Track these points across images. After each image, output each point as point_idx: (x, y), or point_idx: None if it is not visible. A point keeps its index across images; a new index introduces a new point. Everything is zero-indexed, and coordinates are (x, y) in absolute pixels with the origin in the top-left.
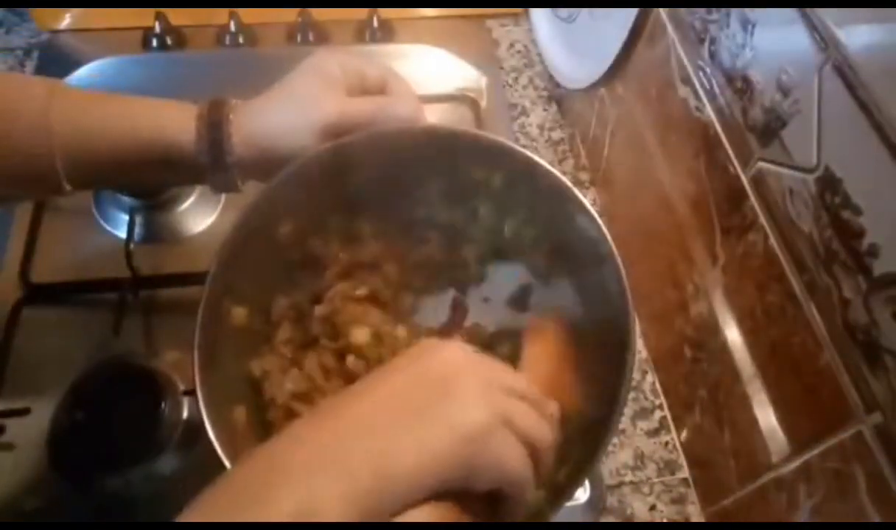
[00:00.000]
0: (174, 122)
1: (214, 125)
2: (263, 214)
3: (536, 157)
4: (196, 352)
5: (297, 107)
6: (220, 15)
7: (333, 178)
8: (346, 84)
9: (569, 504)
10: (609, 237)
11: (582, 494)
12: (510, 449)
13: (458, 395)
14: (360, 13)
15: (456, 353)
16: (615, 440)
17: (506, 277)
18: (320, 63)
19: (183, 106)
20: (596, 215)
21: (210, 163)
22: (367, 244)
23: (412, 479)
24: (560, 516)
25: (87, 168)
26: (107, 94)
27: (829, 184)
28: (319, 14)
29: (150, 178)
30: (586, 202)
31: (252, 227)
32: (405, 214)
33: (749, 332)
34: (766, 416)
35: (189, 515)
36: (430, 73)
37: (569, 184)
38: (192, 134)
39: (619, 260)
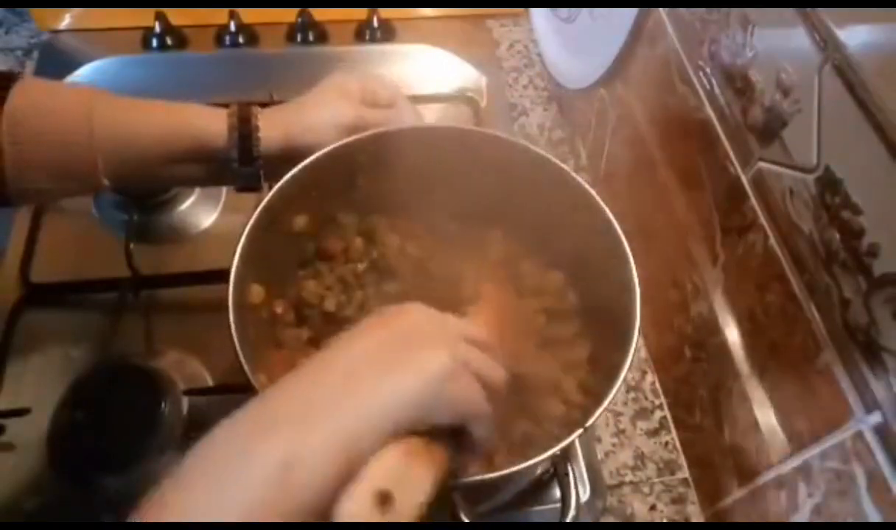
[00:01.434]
0: (206, 118)
1: (244, 119)
2: (282, 202)
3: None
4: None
5: (318, 109)
6: (220, 15)
7: (343, 173)
8: (362, 98)
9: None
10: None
11: (582, 494)
12: (467, 387)
13: (425, 345)
14: (360, 13)
15: (419, 312)
16: (615, 440)
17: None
18: (341, 78)
19: (213, 108)
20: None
21: (238, 156)
22: (387, 237)
23: (388, 420)
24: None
25: (124, 162)
26: (143, 99)
27: (829, 184)
28: (319, 14)
29: (181, 173)
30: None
31: (272, 215)
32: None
33: (749, 332)
34: (766, 416)
35: (181, 469)
36: (430, 73)
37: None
38: (224, 128)
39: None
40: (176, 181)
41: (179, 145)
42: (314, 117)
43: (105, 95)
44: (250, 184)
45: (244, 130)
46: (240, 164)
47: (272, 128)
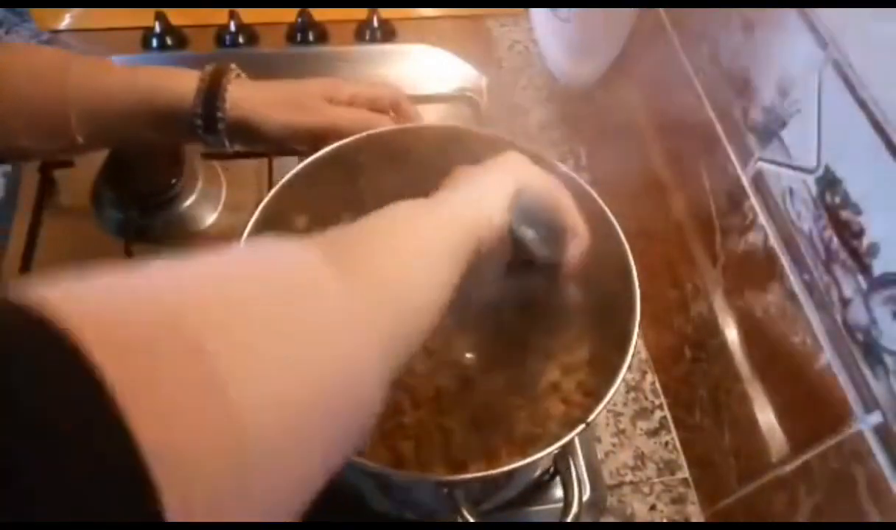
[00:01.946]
0: (176, 82)
1: (212, 93)
2: (282, 202)
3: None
4: None
5: (288, 105)
6: (220, 15)
7: (343, 173)
8: (349, 104)
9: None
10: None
11: (582, 494)
12: (550, 179)
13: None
14: (360, 13)
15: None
16: (615, 440)
17: None
18: (334, 81)
19: (188, 72)
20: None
21: (203, 125)
22: None
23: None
24: (558, 517)
25: (96, 121)
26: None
27: (829, 184)
28: (319, 14)
29: (151, 134)
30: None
31: (273, 215)
32: None
33: (749, 332)
34: (766, 416)
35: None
36: (430, 73)
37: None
38: (192, 95)
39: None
40: (148, 141)
41: (148, 103)
42: (282, 116)
43: (81, 57)
44: (217, 149)
45: (211, 103)
46: (204, 133)
47: (238, 107)
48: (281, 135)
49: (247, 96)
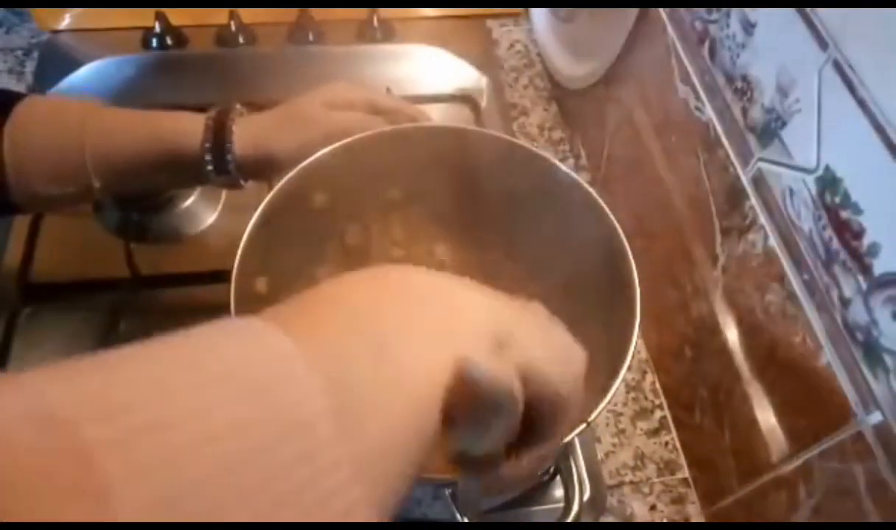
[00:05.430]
0: (184, 130)
1: (218, 137)
2: (278, 208)
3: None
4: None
5: (295, 124)
6: (220, 15)
7: (341, 176)
8: (350, 108)
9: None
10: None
11: (582, 494)
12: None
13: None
14: (360, 13)
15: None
16: (615, 440)
17: None
18: (330, 88)
19: (194, 116)
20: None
21: (215, 169)
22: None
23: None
24: (559, 517)
25: (112, 171)
26: (134, 109)
27: (829, 184)
28: (319, 14)
29: (164, 179)
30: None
31: (269, 220)
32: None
33: (749, 332)
34: (766, 416)
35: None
36: (430, 73)
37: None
38: (199, 141)
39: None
40: (162, 185)
41: (160, 152)
42: (288, 137)
43: (97, 107)
44: (230, 187)
45: (217, 141)
46: (217, 175)
47: (246, 142)
48: (295, 157)
49: (252, 132)
